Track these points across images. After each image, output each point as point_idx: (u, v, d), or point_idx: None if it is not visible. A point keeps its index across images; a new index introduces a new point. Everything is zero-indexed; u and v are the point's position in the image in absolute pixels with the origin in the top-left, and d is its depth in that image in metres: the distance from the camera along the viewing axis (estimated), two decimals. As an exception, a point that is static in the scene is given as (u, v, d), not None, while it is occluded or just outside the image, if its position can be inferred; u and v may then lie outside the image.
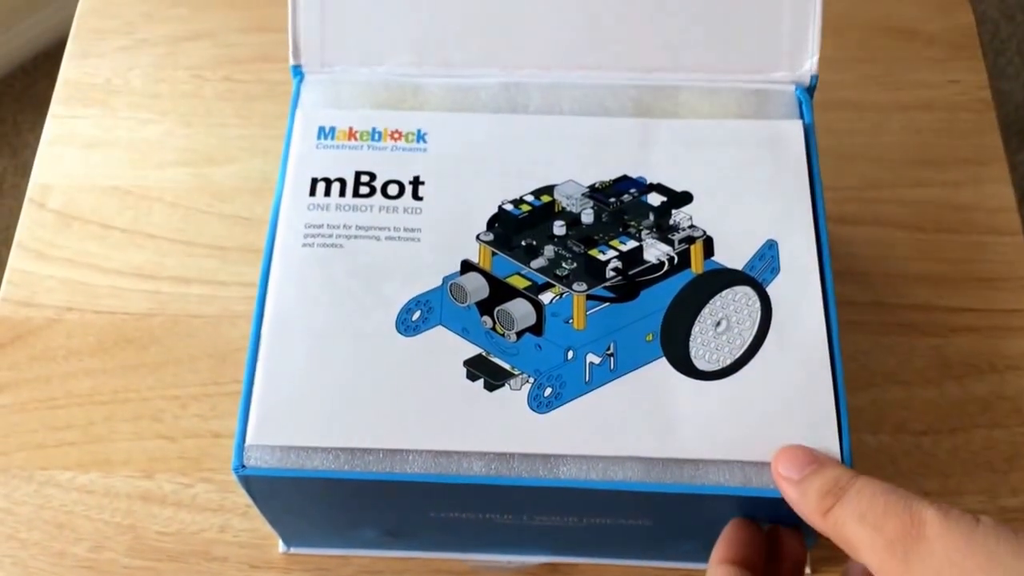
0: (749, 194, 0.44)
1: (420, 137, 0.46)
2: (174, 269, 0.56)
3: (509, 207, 0.44)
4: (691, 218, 0.44)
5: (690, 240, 0.43)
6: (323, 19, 0.48)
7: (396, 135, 0.46)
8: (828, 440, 0.39)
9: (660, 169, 0.45)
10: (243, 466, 0.39)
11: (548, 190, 0.44)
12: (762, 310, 0.42)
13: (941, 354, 0.53)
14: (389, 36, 0.48)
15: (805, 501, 0.37)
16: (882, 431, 0.52)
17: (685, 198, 0.44)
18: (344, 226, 0.43)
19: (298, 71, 0.48)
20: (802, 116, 0.46)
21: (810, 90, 0.47)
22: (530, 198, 0.44)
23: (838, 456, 0.39)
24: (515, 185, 0.44)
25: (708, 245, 0.43)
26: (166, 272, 0.56)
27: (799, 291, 0.42)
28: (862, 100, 0.61)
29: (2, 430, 0.52)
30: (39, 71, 1.47)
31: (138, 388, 0.53)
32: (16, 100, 1.45)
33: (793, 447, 0.39)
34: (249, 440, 0.39)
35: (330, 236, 0.43)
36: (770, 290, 0.42)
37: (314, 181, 0.44)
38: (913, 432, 0.51)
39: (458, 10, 0.48)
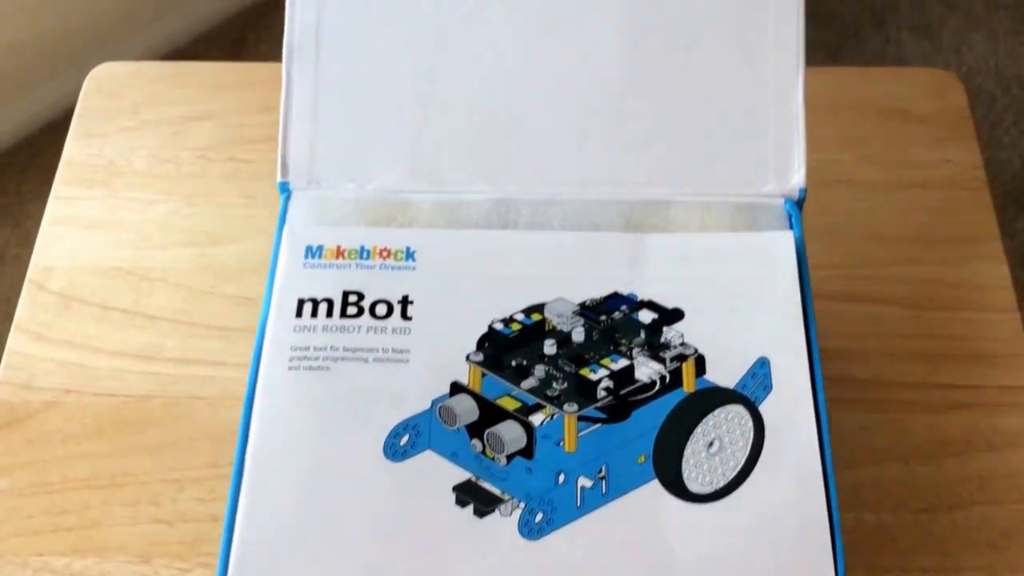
0: (740, 310, 0.44)
1: (409, 255, 0.45)
2: (175, 350, 0.56)
3: (499, 326, 0.43)
4: (682, 335, 0.43)
5: (681, 358, 0.42)
6: (314, 135, 0.48)
7: (385, 253, 0.45)
8: (823, 564, 0.39)
9: (651, 285, 0.45)
10: None
11: (539, 308, 0.44)
12: (755, 430, 0.41)
13: (939, 431, 0.53)
14: (378, 152, 0.48)
15: None
16: (882, 508, 0.51)
17: (676, 315, 0.44)
18: (331, 348, 0.43)
19: (285, 187, 0.48)
20: (792, 228, 0.46)
21: (799, 203, 0.47)
22: (520, 316, 0.44)
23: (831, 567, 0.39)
24: (506, 303, 0.44)
25: (700, 363, 0.43)
26: (167, 353, 0.56)
27: (792, 410, 0.42)
28: (858, 179, 0.62)
29: (-1, 515, 0.52)
30: (44, 142, 1.48)
31: (136, 471, 0.53)
32: (21, 171, 1.46)
33: None
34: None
35: (316, 359, 0.43)
36: (763, 409, 0.42)
37: (300, 302, 0.44)
38: (912, 509, 0.51)
39: (448, 126, 0.48)
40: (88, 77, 0.67)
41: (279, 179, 0.48)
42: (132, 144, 0.64)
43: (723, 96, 0.48)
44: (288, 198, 0.48)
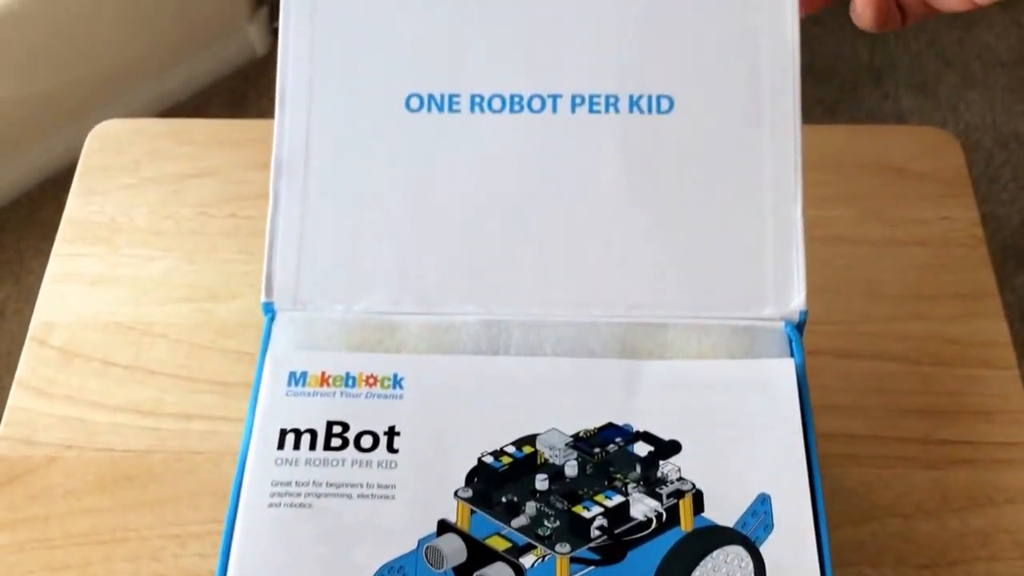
0: (740, 441, 0.42)
1: (396, 382, 0.44)
2: (175, 405, 0.56)
3: (489, 459, 0.42)
4: (679, 469, 0.42)
5: (679, 494, 0.41)
6: (300, 255, 0.47)
7: (371, 380, 0.44)
8: None
9: (647, 415, 0.43)
10: None
11: (530, 440, 0.42)
12: (756, 571, 0.40)
13: (940, 487, 0.53)
14: (366, 273, 0.47)
15: None
16: (883, 564, 0.51)
17: (673, 448, 0.42)
18: (314, 483, 0.41)
19: (270, 308, 0.46)
20: (792, 355, 0.45)
21: (799, 327, 0.46)
22: (511, 449, 0.42)
23: None
24: (496, 434, 0.43)
25: (698, 499, 0.41)
26: (167, 408, 0.56)
27: (794, 551, 0.40)
28: (858, 236, 0.62)
29: (-1, 571, 0.52)
30: (44, 198, 1.49)
31: (137, 527, 0.52)
32: (20, 227, 1.47)
33: None
34: None
35: (298, 495, 0.41)
36: (764, 550, 0.40)
37: (283, 433, 0.42)
38: (915, 565, 0.51)
39: (436, 247, 0.47)
40: (90, 135, 0.68)
41: (263, 299, 0.46)
42: (133, 201, 0.65)
43: (720, 217, 0.47)
44: (272, 319, 0.46)
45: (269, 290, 0.46)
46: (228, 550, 0.40)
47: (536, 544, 0.40)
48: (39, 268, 1.42)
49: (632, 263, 0.47)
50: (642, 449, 0.42)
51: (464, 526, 0.40)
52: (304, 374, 0.44)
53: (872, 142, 0.67)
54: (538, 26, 0.49)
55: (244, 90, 1.63)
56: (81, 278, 0.61)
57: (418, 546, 0.40)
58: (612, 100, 0.48)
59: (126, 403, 0.56)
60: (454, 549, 0.40)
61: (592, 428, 0.43)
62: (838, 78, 1.61)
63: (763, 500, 0.41)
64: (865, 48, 1.64)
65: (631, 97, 0.48)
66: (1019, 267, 1.39)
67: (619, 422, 0.43)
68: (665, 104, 0.48)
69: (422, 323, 0.46)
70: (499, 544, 0.40)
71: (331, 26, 0.48)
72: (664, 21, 0.49)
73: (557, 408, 0.43)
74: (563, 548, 0.39)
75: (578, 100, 0.48)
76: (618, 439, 0.42)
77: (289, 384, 0.44)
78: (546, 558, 0.39)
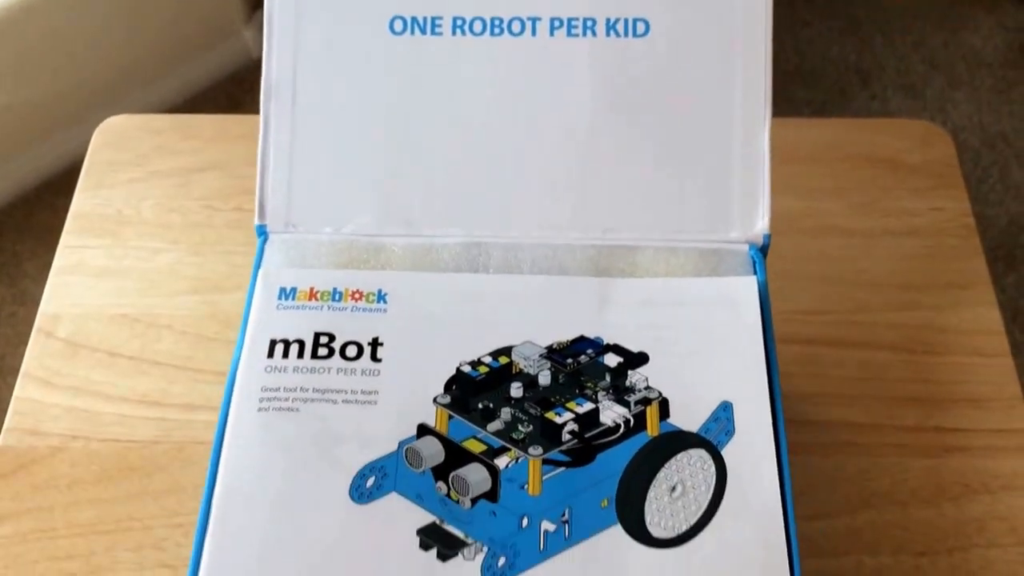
0: (704, 354, 0.44)
1: (381, 297, 0.46)
2: (180, 396, 0.57)
3: (467, 369, 0.44)
4: (647, 379, 0.44)
5: (646, 402, 0.43)
6: (291, 181, 0.48)
7: (357, 295, 0.46)
8: None
9: (617, 329, 0.45)
10: None
11: (506, 351, 0.44)
12: (717, 474, 0.41)
13: (936, 474, 0.54)
14: (353, 197, 0.49)
15: None
16: (881, 552, 0.52)
17: (641, 359, 0.44)
18: (301, 389, 0.43)
19: (263, 230, 0.48)
20: (756, 274, 0.47)
21: (763, 249, 0.48)
22: (488, 359, 0.44)
23: None
24: (474, 346, 0.44)
25: (664, 407, 0.43)
26: (172, 399, 0.57)
27: (754, 454, 0.42)
28: (850, 227, 0.63)
29: (3, 562, 0.52)
30: (41, 201, 1.50)
31: (141, 517, 0.53)
32: (16, 230, 1.47)
33: None
34: None
35: (286, 400, 0.43)
36: (725, 453, 0.42)
37: (272, 343, 0.44)
38: (912, 553, 0.52)
39: (420, 172, 0.49)
40: (97, 130, 0.68)
41: (256, 222, 0.48)
42: (140, 194, 0.65)
43: (689, 144, 0.49)
44: (265, 241, 0.48)
45: (262, 214, 0.48)
46: (219, 450, 0.42)
47: (510, 447, 0.42)
48: (35, 271, 1.44)
49: (606, 188, 0.49)
50: (612, 360, 0.44)
51: (442, 430, 0.42)
52: (294, 289, 0.46)
53: (863, 135, 0.68)
54: None
55: (239, 95, 1.63)
56: (88, 270, 0.62)
57: (399, 448, 0.42)
58: (589, 23, 0.49)
59: (131, 394, 0.57)
60: (433, 451, 0.42)
61: (565, 340, 0.45)
62: (826, 80, 1.62)
63: (725, 407, 0.43)
64: (853, 50, 1.65)
65: (608, 20, 0.49)
66: (1008, 267, 1.40)
67: (591, 335, 0.45)
68: (641, 27, 0.49)
69: (405, 244, 0.48)
70: (475, 447, 0.42)
71: None
72: None
73: (532, 322, 0.45)
74: (535, 451, 0.41)
75: (556, 23, 0.49)
76: (589, 351, 0.44)
77: (279, 298, 0.46)
78: (519, 460, 0.41)
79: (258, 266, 0.47)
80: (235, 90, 1.64)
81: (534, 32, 0.49)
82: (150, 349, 0.58)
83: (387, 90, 0.49)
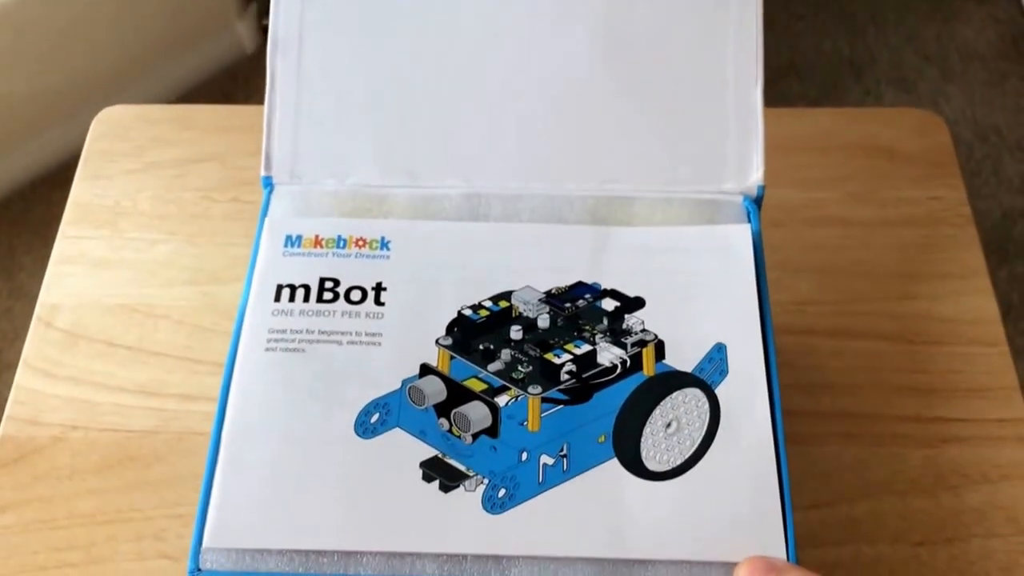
0: (699, 298, 0.45)
1: (384, 245, 0.47)
2: (179, 386, 0.57)
3: (468, 312, 0.45)
4: (643, 322, 0.45)
5: (642, 344, 0.44)
6: (296, 132, 0.50)
7: (361, 243, 0.47)
8: (774, 536, 0.40)
9: (614, 275, 0.46)
10: (199, 569, 0.39)
11: (506, 296, 0.46)
12: (711, 412, 0.43)
13: (934, 464, 0.54)
14: (357, 149, 0.50)
15: None
16: (880, 541, 0.52)
17: (637, 303, 0.45)
18: (307, 331, 0.44)
19: (268, 181, 0.49)
20: (750, 223, 0.48)
21: (757, 200, 0.49)
22: (488, 304, 0.45)
23: (783, 550, 0.40)
24: (474, 291, 0.46)
25: (659, 348, 0.44)
26: (170, 389, 0.57)
27: (746, 393, 0.43)
28: (847, 216, 0.63)
29: (4, 551, 0.52)
30: (36, 195, 1.49)
31: (141, 507, 0.53)
32: (12, 223, 1.47)
33: (753, 558, 0.39)
34: (205, 543, 0.39)
35: (293, 341, 0.44)
36: (718, 392, 0.43)
37: (279, 288, 0.45)
38: (911, 543, 0.52)
39: (423, 124, 0.50)
40: (94, 121, 0.68)
41: (263, 173, 0.49)
42: (137, 185, 0.65)
43: (685, 98, 0.50)
44: (271, 192, 0.49)
45: (268, 165, 0.49)
46: (228, 389, 0.43)
47: (510, 386, 0.43)
48: (31, 264, 1.43)
49: (603, 141, 0.50)
50: (609, 304, 0.45)
51: (444, 370, 0.43)
52: (299, 237, 0.47)
53: (859, 125, 0.68)
54: None
55: (232, 90, 1.63)
56: (86, 261, 0.62)
57: (402, 386, 0.43)
58: None
59: (130, 384, 0.57)
60: (435, 389, 0.43)
61: (563, 286, 0.46)
62: (819, 74, 1.62)
63: (719, 348, 0.44)
64: (846, 44, 1.66)
65: None
66: (1002, 261, 1.40)
67: (588, 281, 0.46)
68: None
69: (408, 195, 0.49)
70: (476, 385, 0.43)
71: None
72: None
73: (531, 268, 0.46)
74: (535, 389, 0.43)
75: None
76: (587, 295, 0.46)
77: (285, 246, 0.47)
78: (519, 398, 0.43)
79: (264, 215, 0.48)
80: (228, 85, 1.64)
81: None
82: (148, 339, 0.58)
83: (390, 45, 0.50)
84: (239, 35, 1.67)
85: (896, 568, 0.51)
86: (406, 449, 0.42)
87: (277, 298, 0.45)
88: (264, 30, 1.69)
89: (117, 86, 1.54)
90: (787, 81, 1.61)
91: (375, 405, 0.42)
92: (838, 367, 0.57)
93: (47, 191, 1.49)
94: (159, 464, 0.54)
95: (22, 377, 0.57)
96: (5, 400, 0.56)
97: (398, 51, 0.50)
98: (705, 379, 0.43)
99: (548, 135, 0.50)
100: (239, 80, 1.64)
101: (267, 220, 0.48)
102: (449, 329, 0.44)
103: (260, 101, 0.50)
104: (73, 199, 0.65)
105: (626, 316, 0.45)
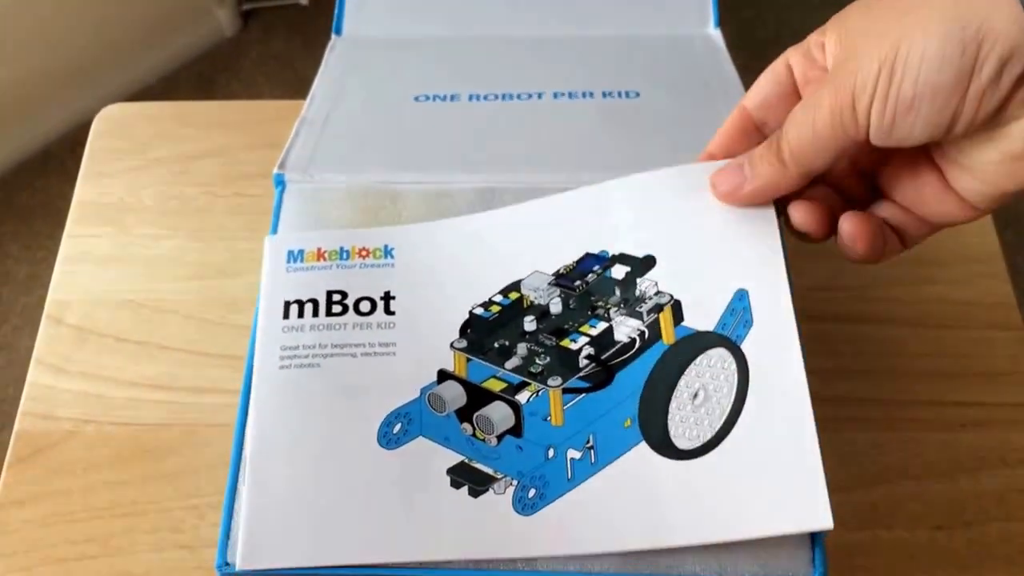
0: (713, 242, 0.43)
1: (387, 253, 0.46)
2: (188, 379, 0.56)
3: (479, 311, 0.44)
4: (656, 284, 0.43)
5: (658, 308, 0.42)
6: (320, 137, 0.50)
7: (364, 252, 0.46)
8: (819, 508, 0.38)
9: (620, 233, 0.45)
10: None
11: (515, 286, 0.45)
12: (739, 372, 0.40)
13: (951, 448, 0.54)
14: (371, 148, 0.50)
15: (760, 171, 0.39)
16: (897, 525, 0.52)
17: (648, 263, 0.44)
18: (319, 345, 0.44)
19: (280, 179, 0.49)
20: None
21: None
22: (499, 298, 0.45)
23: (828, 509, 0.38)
24: (483, 285, 0.45)
25: (676, 310, 0.42)
26: (181, 383, 0.56)
27: (776, 343, 0.40)
28: (863, 203, 0.63)
29: (24, 545, 0.51)
30: (19, 182, 1.49)
31: (157, 499, 0.52)
32: (-3, 213, 1.48)
33: (720, 170, 0.40)
34: (239, 565, 0.39)
35: (306, 357, 0.43)
36: (745, 346, 0.40)
37: (287, 304, 0.45)
38: (928, 526, 0.52)
39: (436, 124, 0.51)
40: (96, 118, 0.68)
41: (276, 171, 0.49)
42: (140, 182, 0.65)
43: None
44: (283, 191, 0.49)
45: (283, 164, 0.50)
46: (245, 411, 0.42)
47: (530, 381, 0.42)
48: (18, 251, 1.43)
49: (617, 137, 0.51)
50: (619, 272, 0.44)
51: (462, 373, 0.43)
52: (301, 251, 0.47)
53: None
54: (521, 48, 0.56)
55: (212, 73, 1.63)
56: (93, 258, 0.61)
57: (421, 394, 0.42)
58: (588, 93, 0.53)
59: (140, 378, 0.56)
60: (455, 394, 0.42)
61: (571, 262, 0.45)
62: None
63: (741, 296, 0.41)
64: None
65: (604, 92, 0.53)
66: (1018, 245, 1.40)
67: (595, 250, 0.45)
68: (633, 95, 0.53)
69: (422, 191, 0.49)
70: (495, 386, 0.42)
71: None
72: (633, 43, 0.55)
73: (536, 249, 0.45)
74: (555, 381, 0.42)
75: (559, 94, 0.53)
76: (596, 267, 0.44)
77: (288, 261, 0.46)
78: (540, 393, 0.42)
79: (277, 215, 0.48)
80: (208, 69, 1.64)
81: (540, 98, 0.54)
82: (157, 334, 0.58)
83: (421, 68, 0.54)
84: (219, 19, 1.67)
85: (915, 552, 0.51)
86: (431, 457, 0.41)
87: (286, 315, 0.44)
88: (243, 15, 1.71)
89: (96, 73, 1.54)
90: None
91: (396, 415, 0.42)
92: (854, 352, 0.57)
93: (30, 178, 1.48)
94: (173, 456, 0.54)
95: (34, 373, 0.56)
96: (4, 387, 0.56)
97: (423, 73, 0.53)
98: (728, 335, 0.41)
99: (559, 136, 0.50)
100: (219, 64, 1.64)
101: (266, 239, 0.47)
102: (463, 331, 0.44)
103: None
104: (78, 198, 0.64)
105: (638, 281, 0.43)
